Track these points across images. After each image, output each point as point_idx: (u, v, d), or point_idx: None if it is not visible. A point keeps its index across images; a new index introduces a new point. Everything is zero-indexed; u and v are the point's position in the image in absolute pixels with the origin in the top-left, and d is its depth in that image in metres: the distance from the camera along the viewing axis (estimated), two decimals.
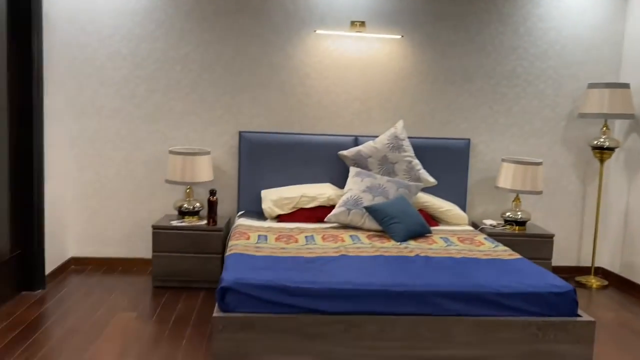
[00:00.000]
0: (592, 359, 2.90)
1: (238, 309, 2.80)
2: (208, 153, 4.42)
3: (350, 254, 3.39)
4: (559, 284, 2.99)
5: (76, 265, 4.63)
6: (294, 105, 4.65)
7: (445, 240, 3.84)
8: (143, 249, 4.52)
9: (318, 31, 4.55)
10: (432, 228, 4.12)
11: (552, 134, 4.82)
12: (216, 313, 2.78)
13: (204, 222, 4.29)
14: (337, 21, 4.56)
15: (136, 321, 3.55)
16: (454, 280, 2.97)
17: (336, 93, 4.66)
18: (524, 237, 4.40)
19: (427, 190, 4.49)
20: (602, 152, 4.59)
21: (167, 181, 4.33)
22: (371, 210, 3.98)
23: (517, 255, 3.50)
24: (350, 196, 4.14)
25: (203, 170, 4.33)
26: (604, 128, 4.62)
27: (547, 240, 4.42)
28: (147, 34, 4.47)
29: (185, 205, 4.39)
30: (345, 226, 4.12)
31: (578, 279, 4.73)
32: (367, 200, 4.09)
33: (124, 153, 4.58)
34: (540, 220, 4.82)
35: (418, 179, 4.43)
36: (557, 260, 4.60)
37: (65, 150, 4.45)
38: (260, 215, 4.35)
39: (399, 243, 3.71)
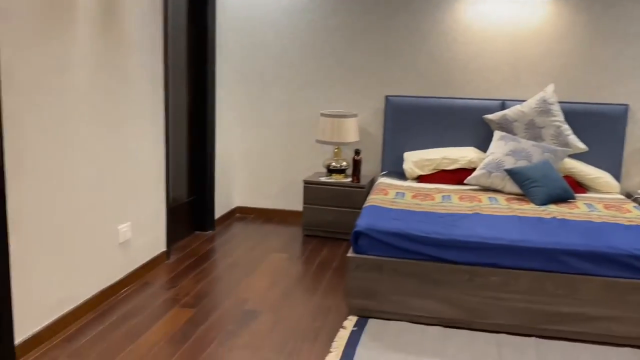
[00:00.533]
0: None
1: (369, 252, 3.05)
2: (355, 116, 4.69)
3: (484, 213, 3.45)
4: None
5: (240, 214, 5.23)
6: (441, 70, 4.72)
7: (589, 206, 3.71)
8: (296, 202, 4.98)
9: None
10: (578, 195, 3.99)
11: None
12: (350, 254, 3.07)
13: (349, 179, 4.60)
14: None
15: (286, 261, 3.99)
16: (586, 240, 2.92)
17: (484, 57, 4.64)
18: None
19: (577, 156, 4.33)
20: None
21: (318, 141, 4.69)
22: (512, 173, 3.97)
23: None
24: (492, 159, 4.16)
25: (350, 132, 4.62)
26: None
27: None
28: (303, 7, 4.83)
29: (333, 164, 4.72)
30: (485, 189, 4.15)
31: None
32: (510, 163, 4.08)
33: (281, 116, 5.03)
34: None
35: (567, 144, 4.29)
36: None
37: (232, 113, 5.01)
38: (401, 175, 4.54)
39: (538, 206, 3.67)
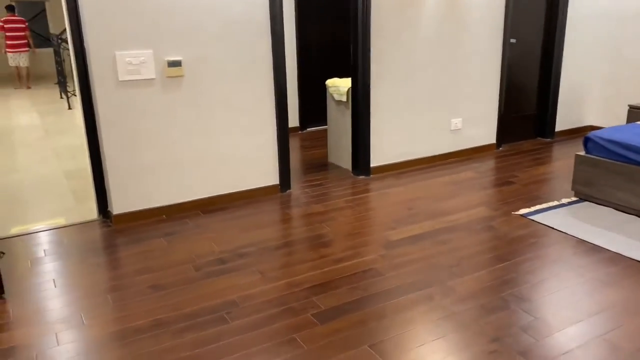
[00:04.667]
0: None
1: (593, 153, 3.75)
2: None
3: None
4: None
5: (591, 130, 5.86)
6: None
7: None
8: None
9: None
10: None
11: None
12: (579, 153, 3.83)
13: None
14: None
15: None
16: None
17: None
18: None
19: None
20: None
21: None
22: None
23: None
24: None
25: None
26: None
27: None
28: None
29: None
30: None
31: None
32: None
33: (624, 51, 5.31)
34: None
35: None
36: None
37: (586, 45, 5.58)
38: None
39: None
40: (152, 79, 3.41)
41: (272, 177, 4.04)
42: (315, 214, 3.65)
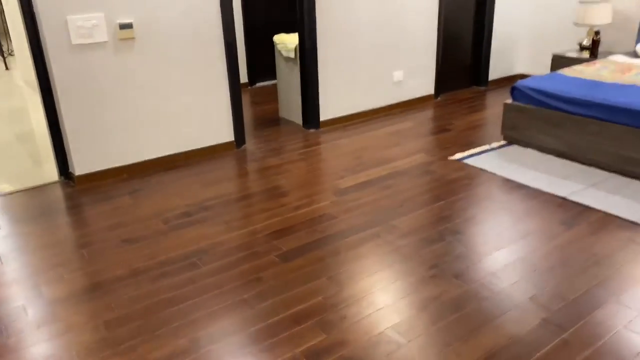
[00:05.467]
0: None
1: (519, 101, 4.12)
2: (608, 1, 5.05)
3: (639, 85, 3.88)
4: None
5: (522, 79, 6.27)
6: None
7: None
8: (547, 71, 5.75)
9: None
10: None
11: None
12: (507, 101, 4.20)
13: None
14: None
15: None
16: None
17: None
18: None
19: None
20: None
21: (575, 24, 5.30)
22: None
23: None
24: None
25: (603, 16, 5.03)
26: None
27: None
28: None
29: (585, 42, 5.29)
30: None
31: None
32: None
33: (548, 2, 5.69)
34: None
35: None
36: None
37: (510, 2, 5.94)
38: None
39: None
40: (105, 42, 3.47)
41: (227, 134, 4.21)
42: (271, 167, 3.88)
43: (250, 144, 4.38)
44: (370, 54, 4.89)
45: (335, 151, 4.16)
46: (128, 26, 3.50)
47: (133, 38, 3.55)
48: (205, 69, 3.93)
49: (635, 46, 5.10)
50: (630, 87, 3.79)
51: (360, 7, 4.66)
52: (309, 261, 2.60)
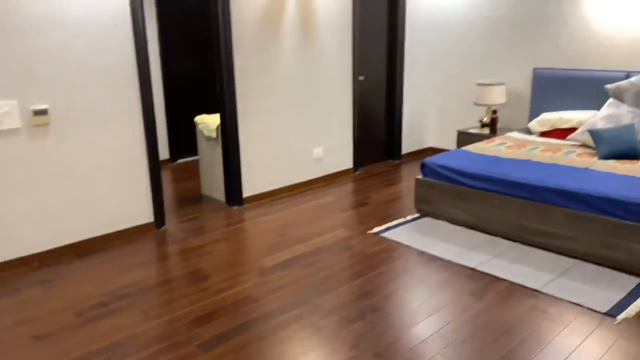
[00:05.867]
0: None
1: (429, 176, 4.40)
2: (503, 84, 5.62)
3: (535, 160, 4.28)
4: None
5: (432, 152, 6.72)
6: (579, 46, 5.18)
7: None
8: (453, 145, 6.22)
9: None
10: None
11: None
12: (417, 176, 4.48)
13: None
14: None
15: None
16: (570, 183, 3.58)
17: (615, 35, 4.94)
18: None
19: None
20: None
21: (475, 104, 5.81)
22: (591, 133, 4.51)
23: None
24: (591, 121, 4.70)
25: (498, 96, 5.59)
26: None
27: None
28: (477, 3, 5.86)
29: (485, 119, 5.80)
30: (583, 145, 4.74)
31: None
32: (601, 125, 4.57)
33: (452, 83, 6.25)
34: None
35: None
36: None
37: (422, 79, 6.45)
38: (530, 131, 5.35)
39: (600, 160, 4.24)
40: (17, 128, 3.38)
41: (146, 215, 4.14)
42: (192, 248, 3.84)
43: (170, 225, 4.32)
44: (291, 132, 5.08)
45: (258, 228, 4.19)
46: (43, 112, 3.45)
47: (48, 124, 3.49)
48: (123, 150, 3.91)
49: (527, 123, 5.65)
50: (526, 163, 4.18)
51: (280, 88, 4.88)
52: (231, 349, 2.56)
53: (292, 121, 5.07)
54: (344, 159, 5.71)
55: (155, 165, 4.11)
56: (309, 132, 5.26)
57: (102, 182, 3.84)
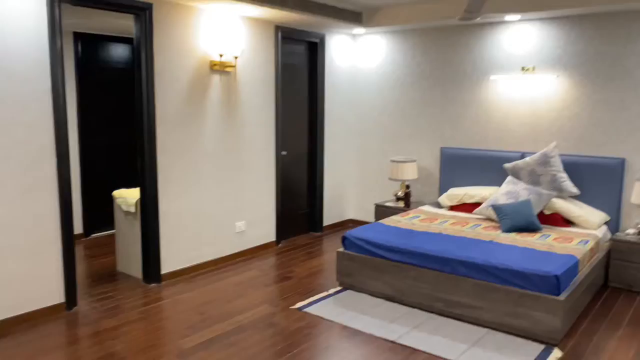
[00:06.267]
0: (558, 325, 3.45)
1: (349, 249, 4.53)
2: (414, 161, 6.00)
3: (445, 233, 4.55)
4: (548, 270, 3.55)
5: (353, 224, 6.92)
6: (480, 129, 5.73)
7: (545, 236, 4.44)
8: (372, 217, 6.48)
9: (492, 77, 5.55)
10: (561, 229, 4.67)
11: None
12: (339, 249, 4.60)
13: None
14: (511, 68, 5.47)
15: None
16: (477, 255, 3.86)
17: (510, 120, 5.53)
18: None
19: (580, 198, 4.99)
20: None
21: (390, 179, 6.14)
22: (494, 208, 4.90)
23: (570, 251, 3.94)
24: (494, 197, 5.11)
25: (410, 172, 5.96)
26: None
27: None
28: (389, 85, 6.35)
29: (399, 193, 6.11)
30: (487, 218, 5.11)
31: None
32: (502, 200, 4.99)
33: (368, 160, 6.60)
34: None
35: (560, 189, 4.97)
36: None
37: (341, 155, 6.75)
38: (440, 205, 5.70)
39: (503, 233, 4.58)
40: None
41: (56, 296, 3.90)
42: (106, 330, 3.64)
43: (83, 305, 4.09)
44: (212, 206, 5.07)
45: (178, 307, 4.07)
46: None
47: None
48: (35, 227, 3.73)
49: (438, 198, 6.03)
50: (438, 235, 4.44)
51: (202, 162, 4.91)
52: None
53: (214, 195, 5.08)
54: (267, 232, 5.75)
55: (69, 243, 3.94)
56: (232, 205, 5.28)
57: (9, 261, 3.60)
